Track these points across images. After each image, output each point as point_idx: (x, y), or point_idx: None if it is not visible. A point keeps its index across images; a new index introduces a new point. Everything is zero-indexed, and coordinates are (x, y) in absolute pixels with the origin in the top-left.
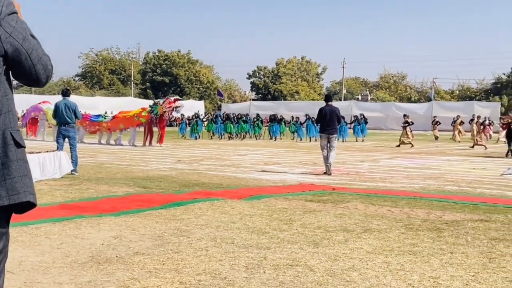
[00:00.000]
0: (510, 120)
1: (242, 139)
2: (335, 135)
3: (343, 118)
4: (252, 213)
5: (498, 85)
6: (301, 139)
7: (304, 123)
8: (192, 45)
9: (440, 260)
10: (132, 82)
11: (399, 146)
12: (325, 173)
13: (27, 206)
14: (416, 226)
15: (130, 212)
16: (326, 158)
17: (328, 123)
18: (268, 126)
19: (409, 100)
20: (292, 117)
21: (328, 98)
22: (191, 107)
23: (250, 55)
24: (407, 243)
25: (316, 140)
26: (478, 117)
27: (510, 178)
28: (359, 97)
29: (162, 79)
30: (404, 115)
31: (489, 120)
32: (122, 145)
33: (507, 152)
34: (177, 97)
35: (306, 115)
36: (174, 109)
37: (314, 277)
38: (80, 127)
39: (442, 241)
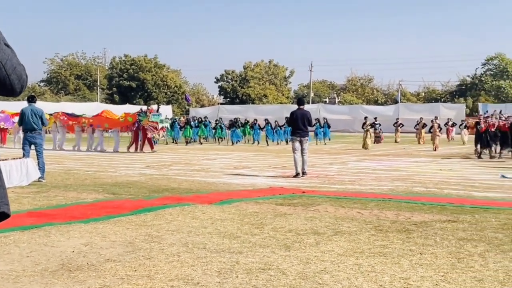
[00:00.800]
0: (475, 121)
1: (201, 144)
2: (306, 138)
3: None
4: (223, 217)
5: (463, 87)
6: (258, 142)
7: (263, 128)
8: (159, 49)
9: (410, 261)
10: (99, 87)
11: (367, 148)
12: (295, 175)
13: (1, 216)
14: (385, 227)
15: (100, 219)
16: (297, 161)
17: (299, 126)
18: (229, 130)
19: (376, 102)
20: (247, 120)
21: (300, 102)
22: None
23: (218, 59)
24: (377, 245)
25: (278, 144)
26: (436, 118)
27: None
28: (327, 100)
29: (129, 84)
30: (365, 117)
31: (451, 122)
32: (104, 151)
33: (479, 153)
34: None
35: (266, 119)
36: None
37: (287, 281)
38: (58, 125)
39: (411, 242)
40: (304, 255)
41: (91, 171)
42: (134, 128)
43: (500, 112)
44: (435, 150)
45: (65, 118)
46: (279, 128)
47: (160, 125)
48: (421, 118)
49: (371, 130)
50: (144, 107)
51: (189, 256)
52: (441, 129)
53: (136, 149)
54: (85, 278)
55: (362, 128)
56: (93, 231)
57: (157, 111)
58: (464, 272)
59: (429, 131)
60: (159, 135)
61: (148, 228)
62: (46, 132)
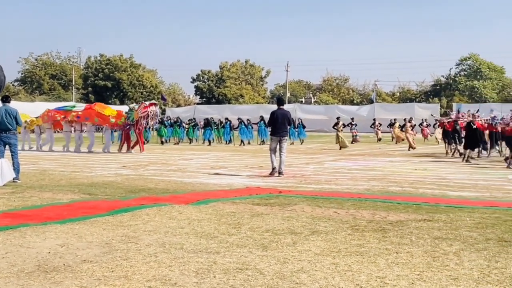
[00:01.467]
0: (444, 120)
1: (176, 144)
2: (286, 138)
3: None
4: (200, 217)
5: (437, 87)
6: (230, 142)
7: (237, 127)
8: (134, 49)
9: (386, 260)
10: (74, 87)
11: (343, 148)
12: (272, 170)
13: None
14: (362, 227)
15: (76, 220)
16: (273, 159)
17: (279, 126)
18: (203, 130)
19: (351, 102)
20: (220, 121)
21: (280, 101)
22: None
23: (194, 59)
24: (354, 244)
25: (249, 143)
26: (411, 119)
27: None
28: (303, 100)
29: (105, 83)
30: (337, 118)
31: (426, 122)
32: (92, 152)
33: (453, 152)
34: (153, 101)
35: (239, 118)
36: (151, 116)
37: (264, 280)
38: (46, 126)
39: (387, 241)
40: (281, 254)
41: (66, 172)
42: (125, 129)
43: (478, 111)
44: (409, 149)
45: (53, 114)
46: (251, 127)
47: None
48: (394, 119)
49: (344, 130)
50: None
51: (166, 256)
52: (413, 127)
53: (128, 148)
54: (61, 279)
55: (334, 128)
56: (69, 232)
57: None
58: (440, 271)
59: (401, 130)
60: (155, 124)
61: (125, 229)
62: (32, 132)
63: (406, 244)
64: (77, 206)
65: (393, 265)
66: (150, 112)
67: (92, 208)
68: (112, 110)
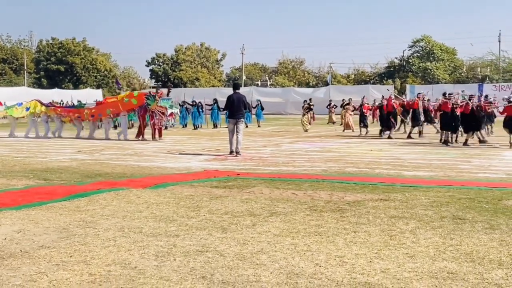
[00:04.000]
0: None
1: (130, 128)
2: (242, 120)
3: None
4: (159, 201)
5: (391, 69)
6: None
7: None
8: (87, 32)
9: (344, 239)
10: (26, 72)
11: (306, 131)
12: (230, 153)
13: None
14: (320, 207)
15: (32, 205)
16: (232, 141)
17: (236, 109)
18: None
19: (307, 85)
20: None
21: (236, 86)
22: (88, 96)
23: (148, 42)
24: (312, 225)
25: (200, 127)
26: (350, 99)
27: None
28: (259, 82)
29: (57, 67)
30: (305, 101)
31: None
32: (109, 139)
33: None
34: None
35: (193, 101)
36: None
37: (225, 262)
38: (54, 116)
39: (345, 221)
40: (241, 236)
41: (20, 157)
42: (141, 113)
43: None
44: (345, 129)
45: (64, 113)
46: (202, 110)
47: (169, 111)
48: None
49: (311, 112)
50: (153, 90)
51: (125, 240)
52: (354, 109)
53: (140, 135)
54: (19, 265)
55: (303, 108)
56: (25, 218)
57: (167, 95)
58: (397, 249)
59: (342, 108)
60: (168, 121)
61: (82, 214)
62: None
63: (364, 224)
64: (32, 191)
65: (351, 244)
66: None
67: (48, 193)
68: (125, 93)
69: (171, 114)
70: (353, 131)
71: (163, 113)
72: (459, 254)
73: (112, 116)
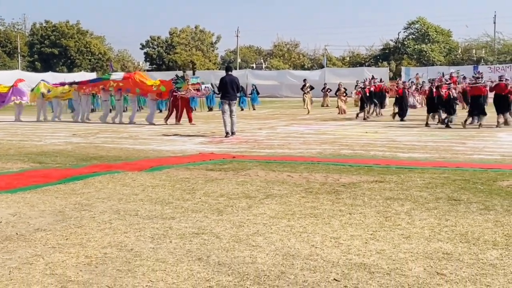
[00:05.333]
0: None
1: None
2: (234, 101)
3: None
4: (154, 184)
5: (386, 51)
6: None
7: None
8: (81, 15)
9: (340, 221)
10: (19, 55)
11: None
12: (226, 135)
13: None
14: (315, 189)
15: (28, 189)
16: (226, 122)
17: (228, 90)
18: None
19: (302, 67)
20: None
21: (228, 68)
22: (82, 79)
23: (143, 25)
24: (308, 206)
25: (195, 109)
26: (340, 84)
27: (418, 140)
28: (254, 65)
29: (51, 50)
30: (305, 80)
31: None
32: (134, 123)
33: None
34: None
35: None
36: (197, 93)
37: (221, 244)
38: (81, 96)
39: (340, 203)
40: (237, 218)
41: (15, 141)
42: (172, 98)
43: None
44: (340, 113)
45: (89, 88)
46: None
47: (203, 86)
48: (339, 83)
49: (311, 92)
50: (180, 73)
51: (121, 223)
52: (346, 94)
53: (168, 119)
54: (15, 248)
55: (302, 89)
56: (21, 201)
57: (193, 74)
58: (392, 230)
59: (335, 94)
60: (205, 96)
61: (78, 197)
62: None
63: (359, 205)
64: (27, 175)
65: (346, 225)
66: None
67: (43, 176)
68: (155, 81)
69: (206, 88)
70: (345, 113)
71: (197, 90)
72: (454, 235)
73: (140, 95)
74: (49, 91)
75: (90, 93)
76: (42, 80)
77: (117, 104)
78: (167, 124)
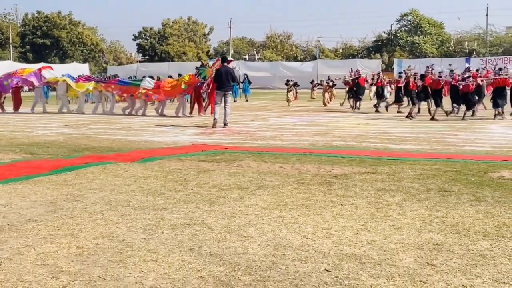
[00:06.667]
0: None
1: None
2: (229, 92)
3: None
4: (146, 175)
5: (379, 43)
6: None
7: None
8: (73, 6)
9: (331, 212)
10: (11, 45)
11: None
12: (214, 121)
13: None
14: (307, 181)
15: (19, 179)
16: (217, 111)
17: (224, 81)
18: None
19: (295, 59)
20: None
21: (224, 59)
22: (74, 70)
23: (135, 16)
24: (300, 197)
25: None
26: (321, 81)
27: (414, 132)
28: (247, 57)
29: (43, 41)
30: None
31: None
32: (164, 115)
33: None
34: (231, 58)
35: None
36: None
37: (212, 235)
38: (107, 93)
39: (332, 194)
40: (229, 209)
41: (6, 131)
42: (196, 87)
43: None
44: (324, 105)
45: (119, 91)
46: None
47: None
48: (328, 76)
49: (295, 88)
50: (198, 63)
51: (113, 214)
52: (329, 86)
53: (200, 111)
54: (6, 238)
55: (286, 84)
56: (12, 192)
57: (202, 64)
58: (383, 221)
59: (321, 86)
60: None
61: (70, 188)
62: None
63: (351, 196)
64: (19, 165)
65: (338, 216)
66: None
67: (35, 167)
68: (183, 77)
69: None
70: (328, 104)
71: (220, 66)
72: (445, 226)
73: (165, 97)
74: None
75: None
76: (67, 75)
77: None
78: (191, 116)
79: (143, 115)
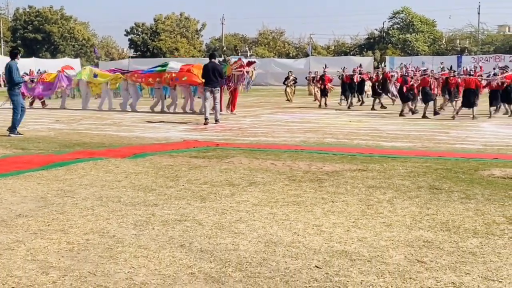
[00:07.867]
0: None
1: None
2: (217, 88)
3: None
4: (137, 171)
5: (371, 40)
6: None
7: None
8: (65, 0)
9: (322, 209)
10: (2, 40)
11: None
12: (205, 120)
13: None
14: (298, 177)
15: (9, 174)
16: (206, 108)
17: (211, 77)
18: None
19: (287, 56)
20: None
21: (212, 56)
22: (65, 65)
23: (127, 11)
24: (291, 194)
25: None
26: (316, 72)
27: (404, 130)
28: (239, 53)
29: (35, 36)
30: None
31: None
32: (176, 112)
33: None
34: (254, 59)
35: None
36: (247, 76)
37: (203, 231)
38: (129, 85)
39: (323, 191)
40: (220, 206)
41: None
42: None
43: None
44: (315, 100)
45: (142, 79)
46: None
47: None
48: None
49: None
50: (220, 59)
51: (103, 209)
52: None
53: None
54: None
55: (284, 83)
56: (2, 187)
57: (224, 60)
58: (374, 218)
59: (312, 82)
60: (251, 77)
61: (60, 183)
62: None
63: (342, 193)
64: (9, 160)
65: (329, 213)
66: (247, 73)
67: (26, 162)
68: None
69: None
70: (316, 100)
71: (241, 66)
72: (435, 223)
73: (186, 84)
74: (95, 75)
75: (138, 83)
76: (90, 66)
77: (157, 93)
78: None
79: (174, 112)
